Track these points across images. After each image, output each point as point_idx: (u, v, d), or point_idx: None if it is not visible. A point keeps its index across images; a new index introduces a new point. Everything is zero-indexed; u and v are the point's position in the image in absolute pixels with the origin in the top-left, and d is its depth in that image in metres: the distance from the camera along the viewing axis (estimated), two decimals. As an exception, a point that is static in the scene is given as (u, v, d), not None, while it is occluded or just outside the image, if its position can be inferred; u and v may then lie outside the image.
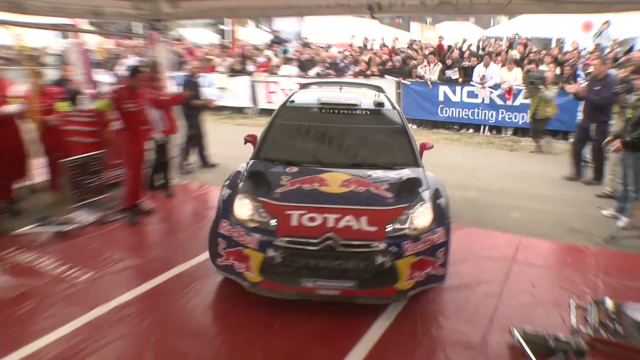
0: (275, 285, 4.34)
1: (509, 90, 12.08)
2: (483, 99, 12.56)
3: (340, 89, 6.82)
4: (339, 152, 5.49)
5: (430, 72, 13.58)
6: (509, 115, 12.44)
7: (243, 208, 4.56)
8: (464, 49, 16.09)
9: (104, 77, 10.41)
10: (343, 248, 4.17)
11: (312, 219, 4.32)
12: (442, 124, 13.41)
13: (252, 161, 5.42)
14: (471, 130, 12.99)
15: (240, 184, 4.86)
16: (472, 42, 18.37)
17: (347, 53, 16.79)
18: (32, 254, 5.65)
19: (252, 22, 28.68)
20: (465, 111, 12.87)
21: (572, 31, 17.35)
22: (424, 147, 5.88)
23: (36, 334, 4.12)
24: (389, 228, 4.31)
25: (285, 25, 23.90)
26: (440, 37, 19.10)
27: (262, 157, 5.46)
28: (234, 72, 15.87)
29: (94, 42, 11.94)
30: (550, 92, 10.50)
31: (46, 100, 6.93)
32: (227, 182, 5.05)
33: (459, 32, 22.56)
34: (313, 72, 14.87)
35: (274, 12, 7.82)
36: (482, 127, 12.89)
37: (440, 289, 4.86)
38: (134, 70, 6.79)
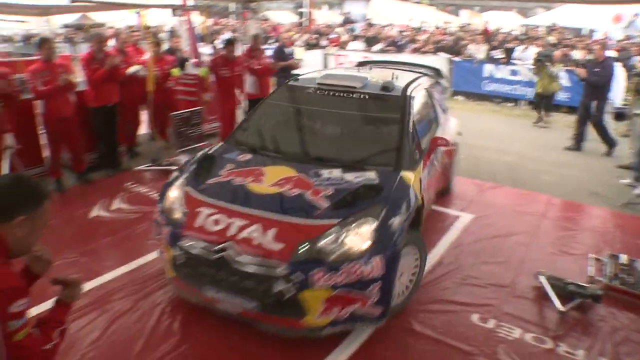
0: (183, 286, 3.30)
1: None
2: (522, 77, 11.85)
3: (368, 68, 5.18)
4: (307, 143, 4.07)
5: (478, 51, 12.89)
6: (544, 92, 11.69)
7: (171, 195, 3.47)
8: (506, 33, 15.26)
9: (205, 49, 10.45)
10: (240, 264, 2.90)
11: (216, 222, 3.10)
12: (486, 97, 12.79)
13: (219, 144, 4.20)
14: (511, 104, 12.36)
15: (187, 169, 3.74)
16: (514, 29, 17.42)
17: (405, 33, 16.19)
18: (147, 187, 5.90)
19: (326, 6, 28.16)
20: (507, 87, 12.19)
21: (602, 23, 16.27)
22: (435, 143, 4.20)
23: (150, 247, 4.29)
24: (301, 249, 2.88)
25: (354, 8, 23.30)
26: (486, 22, 18.09)
27: (233, 140, 4.17)
28: (309, 46, 15.63)
29: (198, 20, 12.00)
30: (556, 68, 9.76)
31: (162, 66, 7.05)
32: (180, 165, 4.05)
33: (503, 20, 21.43)
34: (376, 47, 14.43)
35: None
36: (520, 102, 12.23)
37: (480, 236, 4.71)
38: (228, 43, 6.81)
